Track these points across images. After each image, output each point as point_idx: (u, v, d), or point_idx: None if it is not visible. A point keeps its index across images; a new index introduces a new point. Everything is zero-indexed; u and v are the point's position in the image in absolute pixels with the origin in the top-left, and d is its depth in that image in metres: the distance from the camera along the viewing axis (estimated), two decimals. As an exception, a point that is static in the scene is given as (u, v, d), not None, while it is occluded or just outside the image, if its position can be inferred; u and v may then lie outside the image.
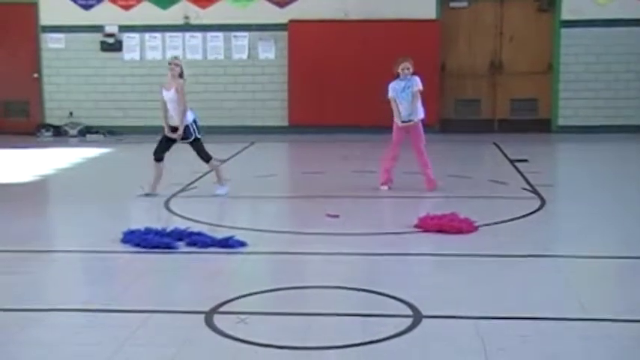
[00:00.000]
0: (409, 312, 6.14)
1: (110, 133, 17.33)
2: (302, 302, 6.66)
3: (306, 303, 6.67)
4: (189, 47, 17.60)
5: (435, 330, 5.83)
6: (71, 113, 17.88)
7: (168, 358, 5.40)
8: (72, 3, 17.73)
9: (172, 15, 17.55)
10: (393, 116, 11.00)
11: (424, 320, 5.97)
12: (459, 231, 8.57)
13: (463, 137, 16.39)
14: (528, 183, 11.41)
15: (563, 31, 17.03)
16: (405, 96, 10.82)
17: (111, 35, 17.69)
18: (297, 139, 16.78)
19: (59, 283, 7.35)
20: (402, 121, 10.85)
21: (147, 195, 10.71)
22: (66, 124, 17.80)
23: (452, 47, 17.36)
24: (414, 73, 10.85)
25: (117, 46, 17.73)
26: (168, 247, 8.10)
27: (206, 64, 17.61)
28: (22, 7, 17.83)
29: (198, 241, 8.21)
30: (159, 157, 10.80)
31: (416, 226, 8.81)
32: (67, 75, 17.92)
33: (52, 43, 17.84)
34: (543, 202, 10.18)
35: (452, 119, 17.32)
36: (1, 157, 14.90)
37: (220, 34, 17.53)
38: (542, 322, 5.93)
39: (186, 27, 17.58)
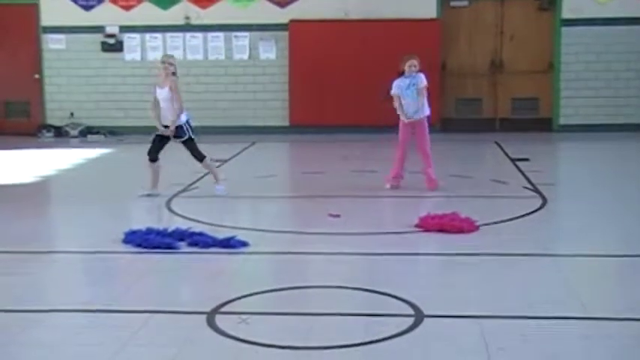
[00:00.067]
0: (411, 311, 6.15)
1: (111, 133, 17.34)
2: (303, 302, 6.66)
3: (308, 303, 6.68)
4: (190, 47, 17.60)
5: (436, 329, 5.83)
6: (72, 114, 17.88)
7: (170, 358, 5.40)
8: (72, 4, 17.73)
9: (173, 15, 17.55)
10: (397, 115, 11.00)
11: (426, 320, 5.98)
12: (460, 230, 8.57)
13: (464, 136, 16.39)
14: (529, 182, 11.41)
15: (564, 29, 17.03)
16: (410, 93, 10.81)
17: (112, 36, 17.69)
18: (297, 139, 16.78)
19: (60, 284, 7.36)
20: (408, 118, 10.83)
21: (148, 195, 10.71)
22: (67, 125, 17.81)
23: (452, 46, 17.36)
24: (418, 71, 10.86)
25: (118, 47, 17.73)
26: (169, 247, 8.11)
27: (207, 65, 17.61)
28: (23, 8, 17.84)
29: (199, 241, 8.21)
30: (153, 157, 10.79)
31: (417, 226, 8.81)
32: (67, 76, 17.93)
33: (52, 43, 17.84)
34: (544, 201, 10.18)
35: (453, 118, 17.31)
36: (2, 158, 14.91)
37: (221, 35, 17.53)
38: (543, 321, 5.94)
39: (187, 27, 17.58)
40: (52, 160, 14.49)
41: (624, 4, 16.75)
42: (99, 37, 17.72)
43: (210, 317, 6.08)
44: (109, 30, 17.68)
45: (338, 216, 9.42)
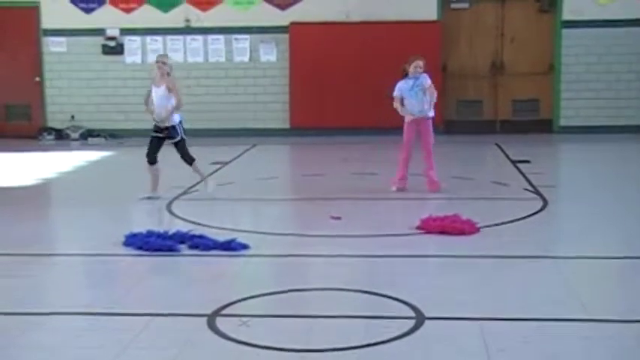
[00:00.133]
0: (412, 314, 6.15)
1: (112, 136, 17.35)
2: (304, 304, 6.66)
3: (309, 305, 6.68)
4: (191, 50, 17.61)
5: (437, 331, 5.83)
6: (73, 117, 17.90)
7: (171, 361, 5.41)
8: (73, 6, 17.75)
9: (173, 18, 17.57)
10: (401, 117, 11.00)
11: (427, 322, 5.98)
12: (461, 232, 8.57)
13: (465, 138, 16.39)
14: (530, 184, 11.41)
15: (564, 31, 17.03)
16: (414, 94, 10.81)
17: (112, 38, 17.71)
18: (298, 142, 16.79)
19: (61, 287, 7.36)
20: (413, 115, 10.81)
21: (149, 198, 10.72)
22: (68, 128, 17.82)
23: (453, 48, 17.37)
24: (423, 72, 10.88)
25: (118, 50, 17.74)
26: (170, 250, 8.11)
27: (207, 67, 17.62)
28: (24, 11, 17.85)
29: (200, 244, 8.21)
30: (152, 159, 10.80)
31: (418, 228, 8.81)
32: (68, 78, 17.94)
33: (53, 46, 17.86)
34: (545, 202, 10.18)
35: (454, 120, 17.31)
36: (3, 161, 14.91)
37: (221, 37, 17.54)
38: (544, 323, 5.94)
39: (188, 30, 17.59)
40: (53, 162, 14.50)
41: (625, 5, 16.76)
42: (99, 40, 17.73)
43: (211, 320, 6.07)
44: (110, 33, 17.70)
45: (339, 218, 9.42)
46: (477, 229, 8.72)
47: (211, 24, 17.49)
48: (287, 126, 17.45)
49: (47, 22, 17.82)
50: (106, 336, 5.84)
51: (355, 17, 17.15)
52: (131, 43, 17.71)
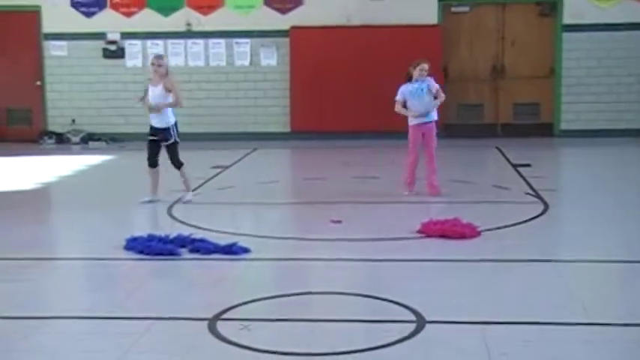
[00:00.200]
0: (412, 317, 6.15)
1: (112, 140, 17.35)
2: (305, 308, 6.66)
3: (310, 309, 6.68)
4: (191, 54, 17.62)
5: (438, 335, 5.83)
6: (74, 120, 17.90)
7: (172, 365, 5.42)
8: (74, 10, 17.76)
9: (174, 22, 17.58)
10: (404, 121, 11.01)
11: (427, 326, 5.98)
12: (462, 236, 8.57)
13: (466, 142, 16.38)
14: (531, 187, 11.41)
15: (565, 35, 17.04)
16: (418, 96, 10.81)
17: (113, 42, 17.72)
18: (299, 145, 16.79)
19: (62, 291, 7.36)
20: (421, 123, 10.82)
21: (149, 201, 10.72)
22: (68, 132, 17.82)
23: (454, 52, 17.37)
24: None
25: (119, 53, 17.75)
26: (171, 253, 8.11)
27: (208, 71, 17.63)
28: (25, 15, 17.86)
29: (201, 247, 8.21)
30: (152, 162, 10.81)
31: (419, 232, 8.81)
32: (69, 82, 17.95)
33: (54, 50, 17.87)
34: (546, 206, 10.18)
35: (455, 124, 17.31)
36: (4, 165, 14.92)
37: (222, 41, 17.55)
38: (545, 327, 5.94)
39: (188, 34, 17.60)
40: (54, 166, 14.50)
41: (625, 9, 16.77)
42: (100, 44, 17.74)
43: (212, 324, 6.07)
44: (111, 37, 17.71)
45: (339, 222, 9.42)
46: (478, 233, 8.72)
47: (212, 28, 17.50)
48: (288, 130, 17.46)
49: (48, 26, 17.83)
50: (107, 340, 5.84)
51: (356, 21, 17.16)
52: (132, 47, 17.72)
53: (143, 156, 10.93)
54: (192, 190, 10.96)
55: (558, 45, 17.11)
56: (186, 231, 8.84)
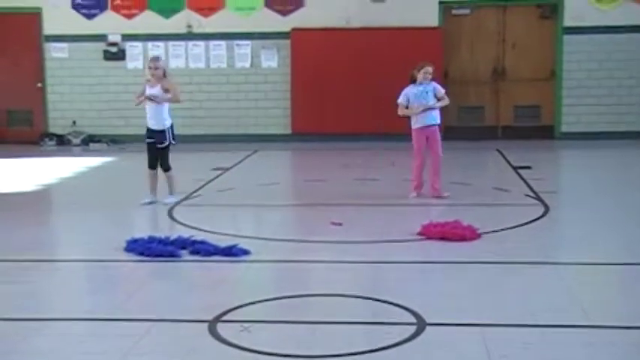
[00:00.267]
0: (413, 320, 6.14)
1: (113, 141, 17.35)
2: (306, 310, 6.66)
3: (310, 311, 6.67)
4: (192, 56, 17.63)
5: (438, 337, 5.83)
6: (74, 122, 17.90)
7: (172, 366, 5.42)
8: (75, 12, 17.77)
9: (175, 24, 17.59)
10: (410, 124, 11.01)
11: (428, 328, 5.97)
12: (462, 238, 8.56)
13: (466, 144, 16.38)
14: (531, 190, 11.41)
15: (566, 37, 17.04)
16: (422, 99, 10.80)
17: (114, 44, 17.73)
18: (299, 147, 16.79)
19: (62, 292, 7.35)
20: (425, 126, 10.82)
21: (150, 203, 10.72)
22: (69, 133, 17.83)
23: (454, 54, 17.38)
24: (432, 79, 10.90)
25: (120, 55, 17.76)
26: (171, 255, 8.11)
27: (209, 73, 17.64)
28: (26, 17, 17.87)
29: (201, 249, 8.21)
30: (153, 164, 10.83)
31: (419, 234, 8.80)
32: (70, 84, 17.96)
33: (55, 52, 17.88)
34: (547, 208, 10.18)
35: (455, 126, 17.30)
36: (5, 167, 14.92)
37: (223, 43, 17.56)
38: (545, 329, 5.93)
39: (189, 36, 17.61)
40: (55, 168, 14.50)
41: (626, 12, 16.78)
42: (101, 46, 17.75)
43: (212, 325, 6.07)
44: (112, 38, 17.72)
45: (340, 224, 9.42)
46: (478, 235, 8.72)
47: (213, 30, 17.51)
48: (288, 132, 17.46)
49: (49, 27, 17.84)
50: (108, 342, 5.84)
51: (356, 23, 17.17)
52: (133, 48, 17.73)
53: (143, 158, 10.94)
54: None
55: (559, 47, 17.12)
56: (186, 233, 8.84)
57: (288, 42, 17.31)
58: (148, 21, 17.63)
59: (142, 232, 8.84)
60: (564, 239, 9.15)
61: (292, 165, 16.25)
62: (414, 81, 10.86)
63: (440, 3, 17.17)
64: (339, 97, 17.06)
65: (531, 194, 11.12)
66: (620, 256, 8.09)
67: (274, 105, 17.53)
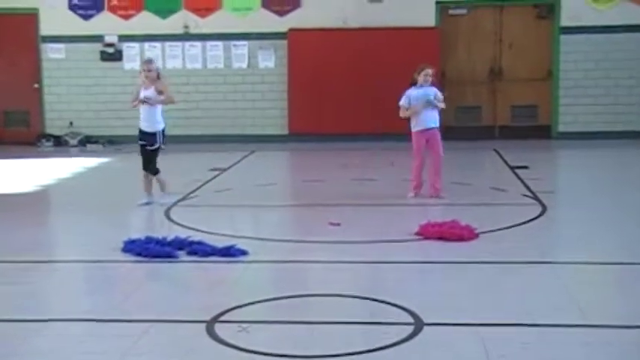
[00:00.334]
0: (410, 319, 6.15)
1: (110, 142, 17.34)
2: (304, 311, 6.66)
3: (308, 311, 6.67)
4: (189, 56, 17.62)
5: (436, 337, 5.83)
6: (71, 123, 17.89)
7: (170, 367, 5.42)
8: (72, 13, 17.76)
9: (172, 24, 17.58)
10: (405, 122, 11.02)
11: (425, 328, 5.98)
12: (460, 238, 8.57)
13: (464, 144, 16.37)
14: (529, 189, 11.42)
15: (563, 37, 17.05)
16: (424, 103, 10.81)
17: (111, 45, 17.72)
18: (297, 148, 16.79)
19: (60, 293, 7.36)
20: (425, 129, 10.83)
21: (147, 204, 10.72)
22: (66, 134, 17.82)
23: (451, 54, 17.38)
24: (432, 83, 10.92)
25: (117, 56, 17.75)
26: (169, 256, 8.10)
27: (206, 73, 17.63)
28: (22, 18, 17.86)
29: (199, 250, 8.20)
30: (146, 167, 10.83)
31: (417, 234, 8.81)
32: (67, 85, 17.94)
33: (52, 53, 17.86)
34: (544, 208, 10.19)
35: (452, 126, 17.29)
36: (2, 167, 14.91)
37: (220, 43, 17.55)
38: (543, 329, 5.94)
39: (186, 36, 17.60)
40: (52, 169, 14.49)
41: (623, 11, 16.79)
42: (98, 47, 17.74)
43: (210, 326, 6.07)
44: (108, 39, 17.71)
45: (338, 224, 9.42)
46: (476, 235, 8.72)
47: (210, 30, 17.51)
48: (285, 132, 17.46)
49: (46, 28, 17.82)
50: (107, 342, 5.84)
51: (353, 24, 17.17)
52: (130, 49, 17.72)
53: (141, 158, 10.93)
54: (190, 193, 10.96)
55: (556, 47, 17.13)
56: (184, 233, 8.83)
57: (285, 42, 17.31)
58: (145, 22, 17.62)
59: (140, 233, 8.84)
60: (562, 239, 9.17)
61: (290, 165, 16.25)
62: (414, 84, 10.89)
63: (437, 3, 17.18)
64: (337, 97, 17.06)
65: (529, 194, 11.13)
66: (617, 256, 8.09)
67: (271, 105, 17.53)
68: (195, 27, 17.56)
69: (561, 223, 9.81)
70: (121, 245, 8.38)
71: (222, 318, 6.27)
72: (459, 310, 6.40)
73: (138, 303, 6.85)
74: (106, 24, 17.68)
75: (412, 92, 10.87)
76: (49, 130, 18.02)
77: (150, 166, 10.78)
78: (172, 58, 17.45)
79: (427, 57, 15.99)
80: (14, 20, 17.88)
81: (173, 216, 10.15)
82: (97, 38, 17.70)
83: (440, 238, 8.59)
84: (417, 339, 5.78)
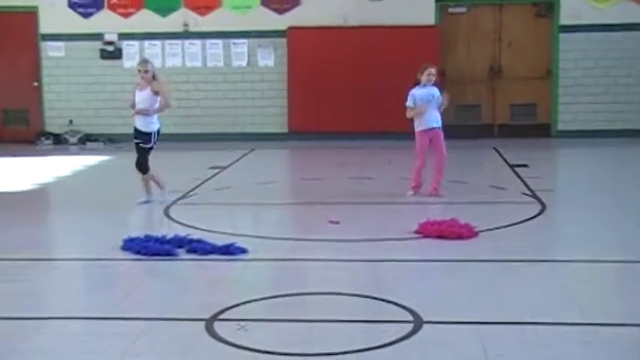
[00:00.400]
0: (410, 318, 6.15)
1: (110, 140, 17.33)
2: (303, 309, 6.66)
3: (307, 309, 6.68)
4: (189, 54, 17.61)
5: (435, 336, 5.83)
6: (71, 121, 17.89)
7: (170, 365, 5.42)
8: (71, 11, 17.75)
9: (171, 22, 17.57)
10: (405, 121, 11.02)
11: (425, 326, 5.98)
12: (459, 236, 8.57)
13: (463, 143, 16.34)
14: (528, 188, 11.42)
15: (562, 36, 17.05)
16: (428, 102, 10.80)
17: (110, 43, 17.71)
18: (296, 146, 16.79)
19: (59, 291, 7.36)
20: (428, 128, 10.83)
21: (146, 202, 10.72)
22: (66, 132, 17.81)
23: (451, 53, 17.37)
24: (434, 84, 10.93)
25: (116, 54, 17.74)
26: (168, 254, 8.10)
27: (205, 72, 17.62)
28: (22, 16, 17.85)
29: (198, 248, 8.21)
30: (137, 164, 10.83)
31: (416, 232, 8.81)
32: (67, 83, 17.93)
33: (51, 51, 17.85)
34: (543, 207, 10.19)
35: (452, 125, 17.26)
36: (1, 166, 14.90)
37: (219, 42, 17.54)
38: (542, 327, 5.94)
39: (186, 34, 17.59)
40: (51, 167, 14.49)
41: (622, 10, 16.78)
42: (98, 45, 17.73)
43: (210, 324, 6.07)
44: (108, 37, 17.70)
45: (337, 222, 9.42)
46: (475, 234, 8.73)
47: (209, 28, 17.49)
48: (285, 130, 17.46)
49: (45, 26, 17.81)
50: (106, 341, 5.84)
51: (353, 22, 17.16)
52: (129, 47, 17.71)
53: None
54: (190, 191, 10.95)
55: (555, 46, 17.12)
56: (183, 231, 8.83)
57: (284, 40, 17.30)
58: (145, 20, 17.61)
59: (139, 231, 8.85)
60: (561, 237, 9.17)
61: (289, 163, 16.25)
62: (417, 83, 10.89)
63: (436, 1, 17.17)
64: (336, 95, 17.06)
65: (528, 192, 11.13)
66: (617, 254, 8.09)
67: (271, 103, 17.53)
68: (194, 25, 17.55)
69: (561, 222, 9.81)
70: (121, 243, 8.38)
71: (222, 316, 6.27)
72: (458, 308, 6.41)
73: (137, 301, 6.85)
74: (106, 22, 17.67)
75: (416, 92, 10.87)
76: (48, 129, 18.02)
77: (140, 164, 10.74)
78: (172, 56, 17.45)
79: (427, 55, 16.00)
80: (14, 18, 17.88)
81: (172, 214, 10.15)
82: (97, 36, 17.69)
83: (439, 237, 8.59)
84: (416, 337, 5.79)
